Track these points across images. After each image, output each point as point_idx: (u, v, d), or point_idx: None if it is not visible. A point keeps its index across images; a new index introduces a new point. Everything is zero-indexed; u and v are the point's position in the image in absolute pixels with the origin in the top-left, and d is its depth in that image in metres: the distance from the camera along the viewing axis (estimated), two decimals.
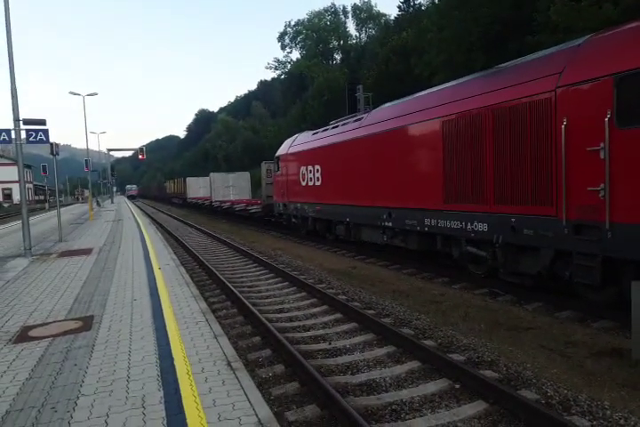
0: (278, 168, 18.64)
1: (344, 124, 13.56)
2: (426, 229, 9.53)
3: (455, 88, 9.11)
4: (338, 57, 60.06)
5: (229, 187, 32.30)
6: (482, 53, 22.29)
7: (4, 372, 4.36)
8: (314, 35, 59.09)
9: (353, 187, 12.61)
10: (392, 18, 49.71)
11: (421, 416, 4.12)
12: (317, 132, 15.61)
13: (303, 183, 16.03)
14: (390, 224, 10.83)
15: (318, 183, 14.80)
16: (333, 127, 14.44)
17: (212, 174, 33.81)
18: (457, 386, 4.65)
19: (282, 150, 18.52)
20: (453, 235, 8.91)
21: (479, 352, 5.48)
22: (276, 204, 19.44)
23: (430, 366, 5.13)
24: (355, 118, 13.12)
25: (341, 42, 59.75)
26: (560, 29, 16.51)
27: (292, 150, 17.35)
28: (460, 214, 8.56)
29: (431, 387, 4.66)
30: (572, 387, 4.51)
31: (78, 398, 3.76)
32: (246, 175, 33.97)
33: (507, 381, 4.73)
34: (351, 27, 62.33)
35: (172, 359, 4.51)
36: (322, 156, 14.51)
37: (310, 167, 15.36)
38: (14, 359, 4.68)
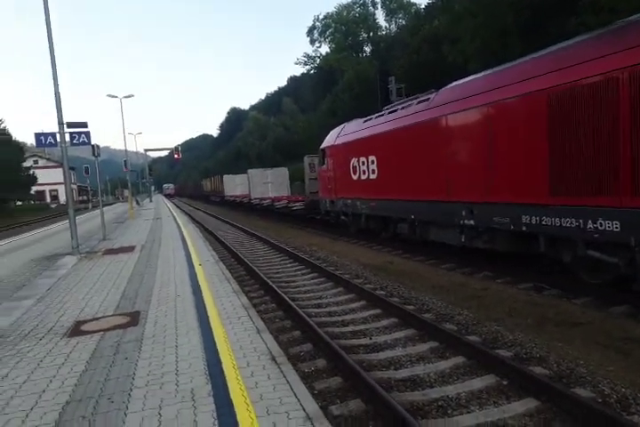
0: (324, 162, 17.25)
1: (404, 108, 11.90)
2: (523, 228, 7.85)
3: (566, 52, 7.31)
4: (367, 49, 59.48)
5: (268, 183, 31.42)
6: (517, 38, 21.66)
7: (63, 364, 4.56)
8: (343, 28, 58.70)
9: (420, 179, 10.96)
10: (422, 6, 48.89)
11: (469, 413, 4.05)
12: (370, 119, 13.96)
13: (354, 177, 14.51)
14: (472, 222, 9.13)
15: (373, 176, 13.24)
16: (390, 112, 12.74)
17: (249, 171, 33.08)
18: (505, 382, 4.55)
19: (327, 142, 17.07)
20: (564, 235, 7.21)
21: (527, 348, 5.35)
22: (321, 200, 18.19)
23: (476, 362, 5.03)
24: (418, 100, 11.40)
25: (371, 33, 59.14)
26: (605, 10, 15.89)
27: (339, 141, 15.85)
28: (575, 210, 6.87)
29: (478, 383, 4.58)
30: (630, 385, 4.33)
31: (131, 389, 3.88)
32: (284, 171, 33.13)
33: (558, 378, 4.59)
34: (380, 18, 61.49)
35: (217, 354, 4.58)
36: (377, 145, 12.93)
37: (363, 159, 13.78)
38: (71, 352, 4.88)
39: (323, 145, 17.45)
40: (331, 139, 16.84)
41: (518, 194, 7.96)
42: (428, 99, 10.80)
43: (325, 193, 17.52)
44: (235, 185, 39.71)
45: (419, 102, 11.23)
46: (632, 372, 4.64)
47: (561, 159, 7.06)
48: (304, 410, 3.42)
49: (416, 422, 3.66)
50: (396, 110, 12.44)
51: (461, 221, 9.42)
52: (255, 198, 30.31)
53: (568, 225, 7.00)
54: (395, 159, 12.08)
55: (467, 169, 9.26)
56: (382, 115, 13.19)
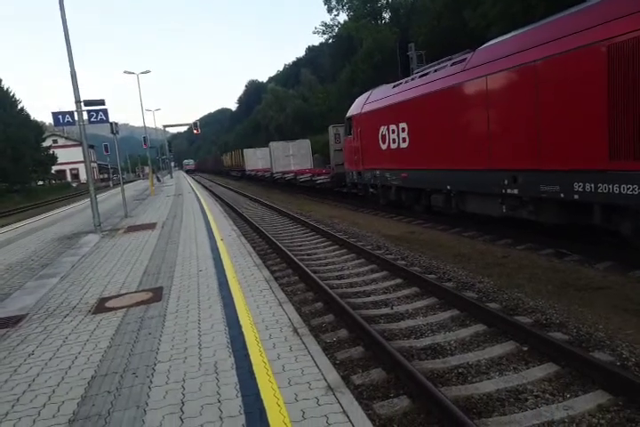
0: (350, 131, 16.34)
1: (437, 71, 11.18)
2: (575, 196, 7.19)
3: None
4: (387, 16, 57.56)
5: (290, 156, 30.33)
6: (541, 0, 20.66)
7: (87, 340, 4.69)
8: None
9: (456, 146, 10.24)
10: None
11: (489, 379, 4.07)
12: (399, 84, 13.25)
13: (383, 146, 13.73)
14: (516, 191, 8.52)
15: (404, 145, 12.47)
16: (421, 75, 12.01)
17: (271, 144, 31.84)
18: (525, 349, 4.55)
19: (354, 110, 16.17)
20: (624, 204, 6.53)
21: (547, 314, 5.32)
22: (348, 172, 17.37)
23: (496, 329, 5.03)
24: (452, 62, 10.67)
25: (390, 0, 57.10)
26: None
27: (366, 109, 14.96)
28: (638, 175, 6.23)
29: (498, 350, 4.59)
30: None
31: (155, 364, 3.99)
32: (306, 143, 31.97)
33: (578, 343, 4.58)
34: None
35: (239, 327, 4.67)
36: (408, 111, 12.16)
37: (393, 126, 12.94)
38: (95, 328, 5.02)
39: (348, 114, 16.61)
40: (357, 107, 15.99)
41: (570, 159, 7.31)
42: (464, 60, 10.06)
43: (352, 164, 16.73)
44: (256, 159, 38.86)
45: (453, 64, 10.50)
46: None
47: (622, 119, 6.36)
48: (325, 380, 3.48)
49: (436, 389, 3.70)
50: (427, 74, 11.71)
51: (503, 191, 8.80)
52: (277, 172, 29.49)
53: (629, 193, 6.29)
54: (428, 126, 11.37)
55: (510, 134, 8.60)
56: (414, 78, 12.43)
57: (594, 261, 7.30)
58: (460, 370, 4.30)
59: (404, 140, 12.51)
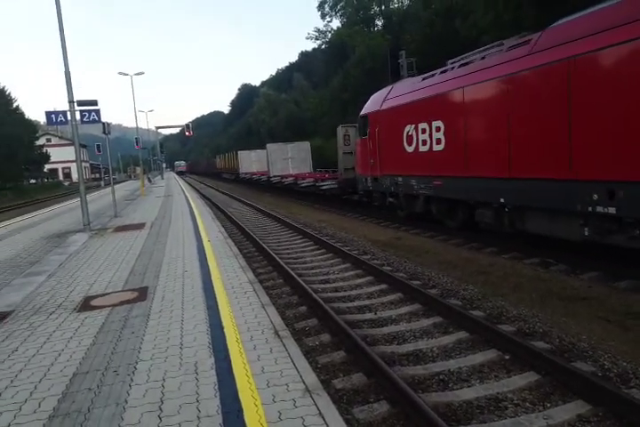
0: (364, 131, 14.34)
1: (486, 58, 9.33)
2: None
3: None
4: (379, 23, 58.11)
5: (288, 159, 28.39)
6: (533, 9, 20.95)
7: (71, 338, 4.67)
8: (354, 1, 57.26)
9: (516, 148, 8.23)
10: None
11: (469, 387, 4.09)
12: (431, 76, 11.36)
13: (409, 148, 11.79)
14: (612, 210, 6.47)
15: (439, 147, 10.51)
16: (462, 65, 10.12)
17: (268, 145, 29.71)
18: (507, 357, 4.58)
19: (370, 107, 14.22)
20: None
21: (530, 323, 5.36)
22: (359, 178, 15.41)
23: (478, 336, 5.06)
24: (507, 46, 8.88)
25: (382, 7, 57.67)
26: None
27: (387, 105, 13.00)
28: None
29: (479, 358, 4.61)
30: (632, 360, 4.34)
31: (137, 363, 3.98)
32: (306, 145, 29.80)
33: (560, 352, 4.61)
34: None
35: (221, 328, 4.66)
36: (445, 107, 10.25)
37: (423, 125, 11.05)
38: (79, 327, 4.99)
39: (363, 111, 14.63)
40: (375, 103, 13.96)
41: None
42: (528, 41, 8.26)
43: (365, 169, 14.69)
44: (250, 162, 37.06)
45: (510, 49, 8.75)
46: (633, 347, 4.65)
47: None
48: (304, 382, 3.48)
49: (416, 395, 3.71)
50: (469, 62, 9.92)
51: (589, 208, 6.82)
52: (275, 176, 27.54)
53: None
54: (474, 124, 9.44)
55: (608, 133, 6.52)
56: (454, 67, 10.52)
57: (579, 271, 7.36)
58: (440, 377, 4.31)
59: (438, 141, 10.57)
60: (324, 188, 19.37)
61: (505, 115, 8.47)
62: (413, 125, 11.50)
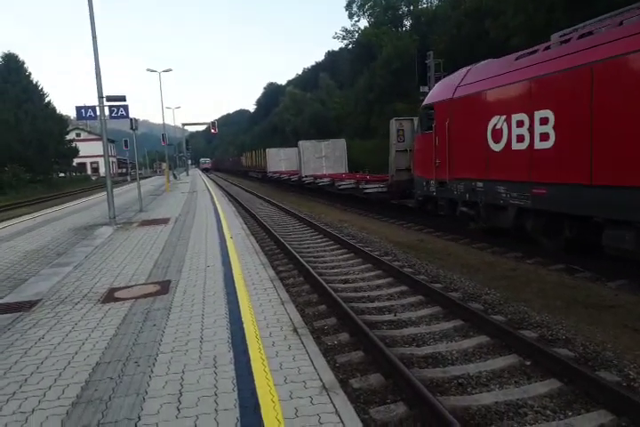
0: (429, 125, 11.86)
1: (634, 21, 6.83)
2: None
3: None
4: (407, 23, 57.69)
5: (322, 158, 25.78)
6: (565, 13, 20.54)
7: (95, 328, 4.78)
8: (382, 1, 56.98)
9: None
10: None
11: (489, 391, 4.03)
12: (531, 53, 8.84)
13: (496, 146, 9.35)
14: None
15: (545, 144, 8.06)
16: (579, 37, 7.77)
17: (301, 143, 26.88)
18: (528, 363, 4.49)
19: (438, 95, 11.76)
20: None
21: (553, 330, 5.25)
22: (418, 181, 12.87)
23: (499, 341, 4.98)
24: None
25: (411, 7, 57.21)
26: None
27: (462, 93, 10.55)
28: None
29: (500, 362, 4.54)
30: None
31: (157, 355, 4.04)
32: (342, 143, 26.90)
33: (584, 361, 4.50)
34: None
35: (241, 323, 4.69)
36: (557, 92, 7.80)
37: (519, 116, 8.65)
38: (103, 317, 5.11)
39: (427, 101, 12.25)
40: (444, 90, 11.57)
41: None
42: None
43: (427, 171, 12.18)
44: (279, 160, 34.26)
45: None
46: None
47: None
48: (321, 380, 3.49)
49: (434, 398, 3.67)
50: (587, 34, 7.70)
51: None
52: (307, 176, 24.94)
53: None
54: (609, 114, 6.90)
55: None
56: (565, 40, 8.15)
57: (606, 279, 7.18)
58: (459, 380, 4.26)
59: (543, 136, 8.17)
60: (369, 191, 16.64)
61: None
62: (503, 117, 9.13)
